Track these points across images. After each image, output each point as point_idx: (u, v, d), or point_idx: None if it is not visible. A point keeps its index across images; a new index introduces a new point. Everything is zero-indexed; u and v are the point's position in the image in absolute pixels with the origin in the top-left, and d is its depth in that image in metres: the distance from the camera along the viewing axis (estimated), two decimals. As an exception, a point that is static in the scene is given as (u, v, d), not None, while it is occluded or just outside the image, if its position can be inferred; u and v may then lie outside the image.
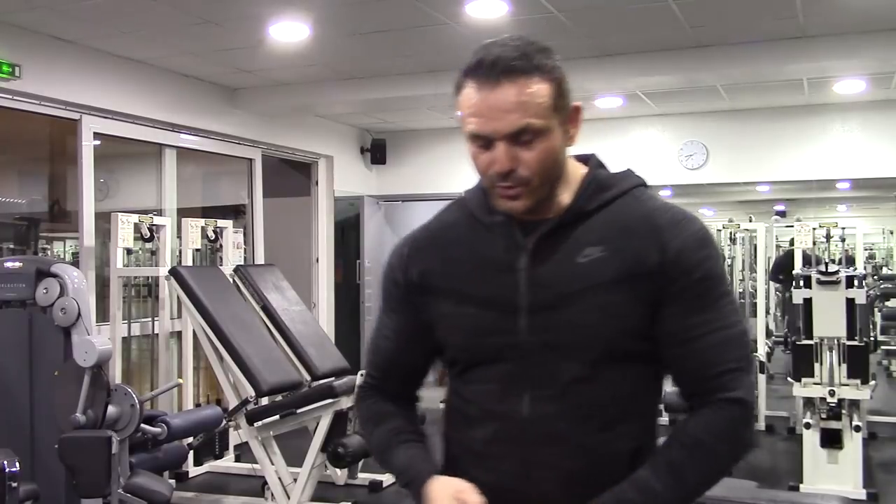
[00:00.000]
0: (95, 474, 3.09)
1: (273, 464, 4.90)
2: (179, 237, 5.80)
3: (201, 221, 5.88)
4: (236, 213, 7.44)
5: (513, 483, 1.39)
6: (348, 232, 8.71)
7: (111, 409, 3.60)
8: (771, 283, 9.26)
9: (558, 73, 1.34)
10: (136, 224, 5.42)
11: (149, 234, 5.51)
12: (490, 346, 1.40)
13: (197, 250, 5.81)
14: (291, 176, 8.07)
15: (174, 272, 5.27)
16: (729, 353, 1.36)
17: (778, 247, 10.90)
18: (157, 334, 5.66)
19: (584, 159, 1.46)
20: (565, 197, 1.40)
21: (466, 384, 1.45)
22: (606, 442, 1.37)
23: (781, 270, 9.19)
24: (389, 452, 1.50)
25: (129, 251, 5.46)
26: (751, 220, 8.06)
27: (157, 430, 3.98)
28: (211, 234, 5.89)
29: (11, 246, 4.94)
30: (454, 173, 8.66)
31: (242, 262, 6.37)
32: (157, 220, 5.63)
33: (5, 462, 2.85)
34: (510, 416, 1.38)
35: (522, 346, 1.37)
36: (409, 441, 1.51)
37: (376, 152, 8.76)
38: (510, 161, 1.32)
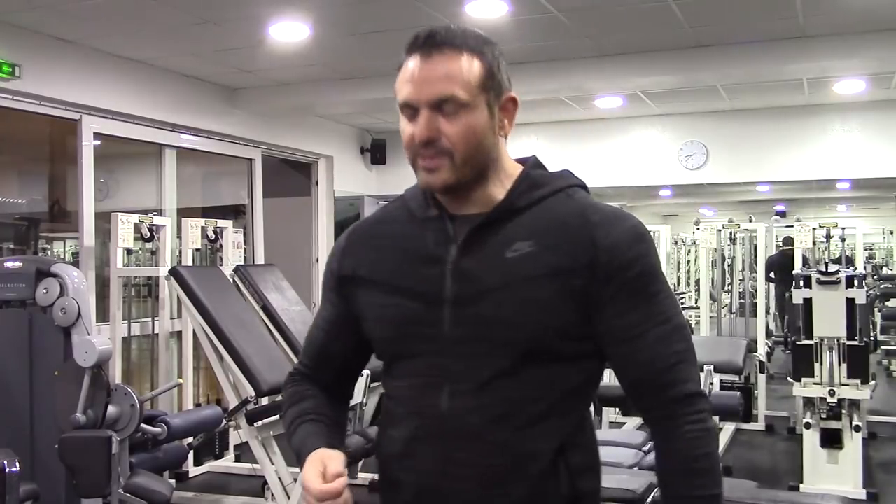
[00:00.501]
0: (95, 474, 3.09)
1: (273, 464, 4.89)
2: (179, 237, 5.80)
3: (201, 221, 5.88)
4: (236, 213, 7.45)
5: (432, 482, 1.37)
6: (348, 232, 8.70)
7: (111, 409, 3.59)
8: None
9: (493, 57, 1.36)
10: (136, 224, 5.42)
11: (149, 234, 5.51)
12: (413, 338, 1.38)
13: (197, 250, 5.81)
14: (291, 176, 8.08)
15: (174, 272, 5.26)
16: (673, 345, 1.35)
17: (778, 247, 10.91)
18: (157, 334, 5.66)
19: (524, 161, 1.46)
20: (499, 193, 1.39)
21: (393, 380, 1.44)
22: (526, 440, 1.34)
23: (774, 269, 9.20)
24: (293, 431, 1.47)
25: (129, 251, 5.45)
26: (751, 220, 8.06)
27: (157, 430, 3.98)
28: (211, 234, 5.88)
29: (11, 246, 4.93)
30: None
31: (242, 262, 6.37)
32: (157, 220, 5.63)
33: (5, 462, 2.84)
34: (429, 413, 1.36)
35: (444, 338, 1.35)
36: (312, 420, 1.47)
37: (376, 152, 8.76)
38: (431, 130, 1.32)
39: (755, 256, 8.62)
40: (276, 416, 4.79)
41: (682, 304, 11.26)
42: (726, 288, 8.70)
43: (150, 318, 5.74)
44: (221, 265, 5.90)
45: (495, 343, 1.33)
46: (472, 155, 1.34)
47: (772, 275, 9.19)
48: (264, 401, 4.97)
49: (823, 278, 5.25)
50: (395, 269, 1.42)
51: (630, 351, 1.35)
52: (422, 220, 1.43)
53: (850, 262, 8.04)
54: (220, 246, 5.99)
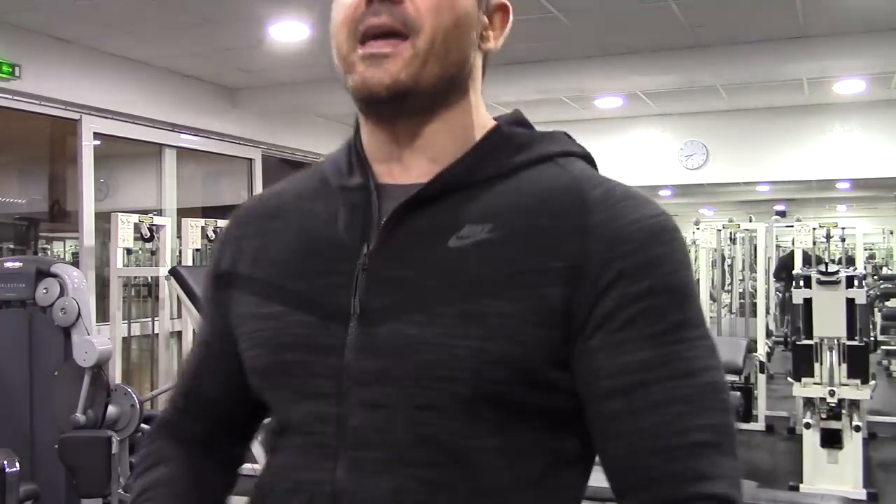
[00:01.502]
0: (96, 474, 3.09)
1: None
2: (179, 237, 5.80)
3: (201, 221, 5.88)
4: (236, 213, 7.43)
5: None
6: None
7: (111, 409, 3.60)
8: (771, 282, 9.26)
9: None
10: (136, 224, 5.42)
11: (149, 234, 5.51)
12: (296, 372, 0.88)
13: (197, 250, 5.81)
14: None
15: (174, 272, 5.26)
16: (698, 416, 0.81)
17: (778, 247, 10.90)
18: (157, 334, 5.66)
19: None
20: (457, 149, 0.91)
21: (271, 438, 0.95)
22: None
23: (788, 270, 9.20)
24: None
25: (129, 251, 5.46)
26: (751, 220, 8.06)
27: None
28: (211, 234, 5.88)
29: (11, 246, 4.92)
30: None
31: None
32: (157, 220, 5.63)
33: (5, 462, 2.84)
34: (318, 492, 0.85)
35: (346, 374, 0.84)
36: None
37: (376, 152, 8.74)
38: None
39: (755, 256, 8.62)
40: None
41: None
42: (726, 288, 8.70)
43: (150, 318, 5.74)
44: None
45: (422, 385, 0.82)
46: (444, 43, 0.86)
47: (783, 274, 9.20)
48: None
49: (824, 278, 5.25)
50: (283, 262, 0.92)
51: (620, 411, 0.81)
52: (337, 192, 0.93)
53: (850, 262, 8.05)
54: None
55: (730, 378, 6.31)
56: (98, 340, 3.69)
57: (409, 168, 0.91)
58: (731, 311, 8.47)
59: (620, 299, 0.81)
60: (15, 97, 5.07)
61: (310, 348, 0.87)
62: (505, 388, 0.81)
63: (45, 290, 3.86)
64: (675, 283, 0.83)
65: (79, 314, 3.81)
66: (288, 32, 5.19)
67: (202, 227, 5.84)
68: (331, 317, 0.87)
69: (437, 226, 0.86)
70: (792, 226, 7.45)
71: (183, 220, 5.85)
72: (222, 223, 6.02)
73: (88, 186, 5.66)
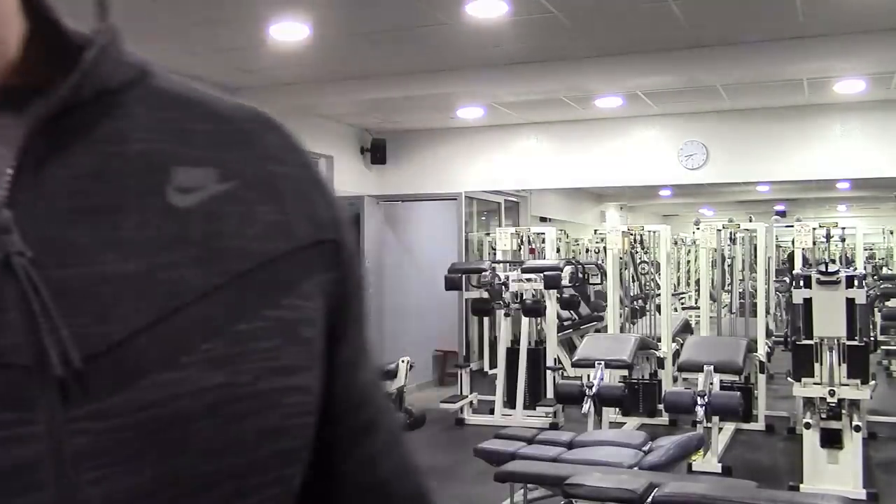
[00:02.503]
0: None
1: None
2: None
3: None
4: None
5: None
6: (348, 232, 8.71)
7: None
8: (771, 282, 9.27)
9: None
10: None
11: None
12: None
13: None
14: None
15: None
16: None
17: (778, 247, 10.91)
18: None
19: None
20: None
21: None
22: None
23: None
24: None
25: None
26: (751, 220, 8.06)
27: None
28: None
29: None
30: (454, 173, 8.68)
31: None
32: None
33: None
34: None
35: None
36: None
37: (376, 152, 8.76)
38: None
39: (755, 256, 8.62)
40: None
41: (682, 303, 11.27)
42: (726, 288, 8.70)
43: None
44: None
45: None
46: None
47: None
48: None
49: (824, 278, 5.25)
50: None
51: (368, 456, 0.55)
52: None
53: (849, 262, 8.05)
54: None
55: (730, 378, 6.33)
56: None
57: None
58: (730, 311, 8.47)
59: (357, 298, 0.57)
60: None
61: None
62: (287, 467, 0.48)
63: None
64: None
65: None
66: (288, 32, 5.19)
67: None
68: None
69: (121, 158, 0.46)
70: (792, 226, 7.44)
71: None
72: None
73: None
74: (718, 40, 5.57)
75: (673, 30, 5.27)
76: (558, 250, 9.34)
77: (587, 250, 11.59)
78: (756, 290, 7.70)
